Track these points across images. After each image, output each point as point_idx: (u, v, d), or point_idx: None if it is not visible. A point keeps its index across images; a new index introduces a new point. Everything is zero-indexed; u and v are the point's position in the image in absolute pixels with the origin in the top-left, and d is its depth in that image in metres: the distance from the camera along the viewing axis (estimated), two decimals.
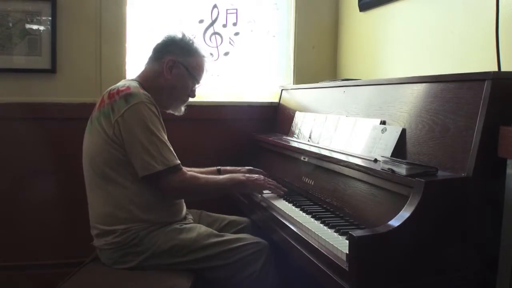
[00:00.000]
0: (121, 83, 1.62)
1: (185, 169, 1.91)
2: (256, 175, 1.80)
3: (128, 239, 1.50)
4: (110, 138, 1.50)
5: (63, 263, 2.17)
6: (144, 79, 1.66)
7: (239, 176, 1.74)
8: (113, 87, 1.59)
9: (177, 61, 1.66)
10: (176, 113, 1.78)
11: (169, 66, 1.65)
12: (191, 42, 1.72)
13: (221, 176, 1.72)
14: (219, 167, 1.98)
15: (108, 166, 1.52)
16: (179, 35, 1.72)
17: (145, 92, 1.55)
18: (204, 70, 1.75)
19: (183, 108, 1.78)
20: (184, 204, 1.71)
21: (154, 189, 1.54)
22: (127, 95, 1.51)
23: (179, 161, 1.55)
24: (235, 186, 1.72)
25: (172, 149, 1.55)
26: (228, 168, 1.98)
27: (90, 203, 1.60)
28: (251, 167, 1.97)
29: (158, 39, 1.74)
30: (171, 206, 1.62)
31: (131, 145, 1.48)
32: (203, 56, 1.74)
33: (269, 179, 1.78)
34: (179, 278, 1.47)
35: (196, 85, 1.75)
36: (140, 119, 1.49)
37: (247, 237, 1.61)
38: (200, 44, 1.77)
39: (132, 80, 1.66)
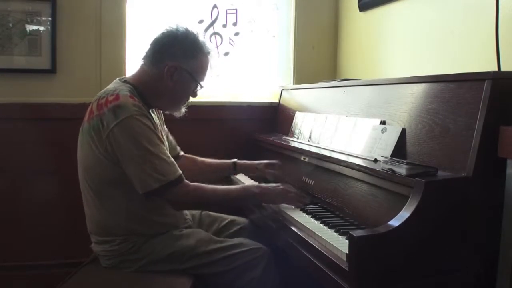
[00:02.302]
0: (111, 87, 1.51)
1: (196, 157, 1.90)
2: (272, 185, 1.62)
3: (126, 247, 1.49)
4: (103, 155, 1.43)
5: (63, 263, 2.17)
6: (141, 82, 1.55)
7: (253, 188, 1.59)
8: (102, 93, 1.49)
9: (178, 67, 1.53)
10: (176, 114, 1.68)
11: (170, 72, 1.53)
12: (194, 40, 1.55)
13: (233, 187, 1.58)
14: (235, 160, 1.93)
15: (103, 184, 1.48)
16: (183, 34, 1.55)
17: (135, 102, 1.44)
18: (209, 69, 1.62)
19: (183, 110, 1.68)
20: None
21: (152, 203, 1.49)
22: (115, 108, 1.40)
23: (179, 172, 1.46)
24: (248, 199, 1.60)
25: (170, 159, 1.46)
26: (243, 162, 1.93)
27: (85, 212, 1.56)
28: (268, 161, 1.90)
29: (158, 32, 1.57)
30: (170, 213, 1.58)
31: (125, 164, 1.41)
32: (208, 53, 1.59)
33: (288, 188, 1.60)
34: (179, 280, 1.47)
35: (199, 88, 1.63)
36: (130, 136, 1.40)
37: (247, 243, 1.59)
38: (203, 39, 1.59)
39: (125, 82, 1.54)
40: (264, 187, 1.59)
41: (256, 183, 1.75)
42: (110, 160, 1.44)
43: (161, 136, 1.55)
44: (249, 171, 2.01)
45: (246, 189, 1.61)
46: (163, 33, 1.57)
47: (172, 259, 1.51)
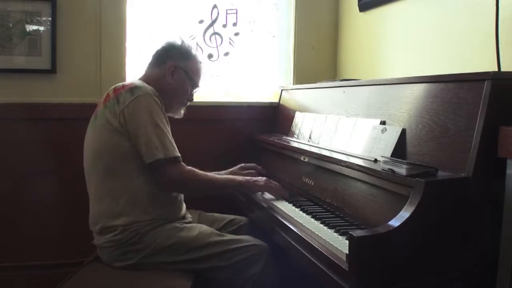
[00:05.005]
0: (125, 82, 1.67)
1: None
2: (258, 177, 1.79)
3: (128, 236, 1.51)
4: (115, 129, 1.53)
5: (63, 263, 2.17)
6: (146, 82, 1.66)
7: (239, 177, 1.75)
8: (118, 84, 1.63)
9: (178, 66, 1.72)
10: (176, 116, 1.81)
11: (171, 71, 1.71)
12: (190, 48, 1.79)
13: (221, 176, 1.74)
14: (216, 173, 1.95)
15: (113, 159, 1.54)
16: (179, 41, 1.79)
17: (150, 87, 1.60)
18: (202, 75, 1.82)
19: (182, 111, 1.82)
20: (183, 203, 1.71)
21: (154, 187, 1.55)
22: (132, 88, 1.56)
23: (179, 154, 1.57)
24: (234, 187, 1.74)
25: (173, 142, 1.58)
26: (221, 172, 1.95)
27: (92, 198, 1.60)
28: (242, 164, 1.99)
29: (158, 45, 1.80)
30: (173, 201, 1.63)
31: (136, 133, 1.52)
32: (200, 62, 1.82)
33: (271, 181, 1.75)
34: (180, 279, 1.47)
35: (195, 89, 1.80)
36: (145, 108, 1.53)
37: (248, 239, 1.61)
38: (197, 51, 1.88)
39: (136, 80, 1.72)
40: (249, 178, 1.77)
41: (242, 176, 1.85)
42: (121, 133, 1.53)
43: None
44: None
45: (233, 178, 1.75)
46: (163, 44, 1.80)
47: (173, 250, 1.52)
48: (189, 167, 1.61)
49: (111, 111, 1.55)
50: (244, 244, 1.57)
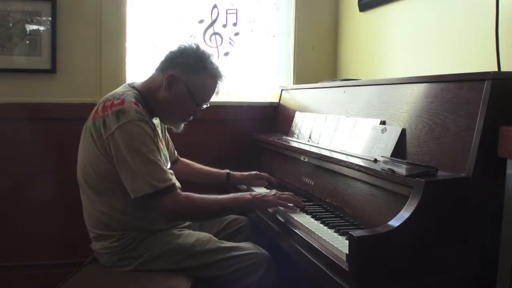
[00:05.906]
0: (119, 91, 1.53)
1: (189, 160, 1.89)
2: (265, 191, 1.64)
3: (125, 243, 1.49)
4: (102, 155, 1.45)
5: (63, 263, 2.17)
6: (146, 88, 1.58)
7: (245, 195, 1.56)
8: (109, 96, 1.51)
9: (178, 78, 1.53)
10: (174, 130, 1.69)
11: (168, 81, 1.53)
12: (203, 59, 1.56)
13: (223, 196, 1.55)
14: (228, 171, 1.97)
15: (100, 180, 1.48)
16: (192, 49, 1.57)
17: (138, 108, 1.45)
18: (213, 92, 1.61)
19: (182, 126, 1.67)
20: None
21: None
22: (118, 112, 1.42)
23: (172, 182, 1.45)
24: (240, 207, 1.60)
25: (164, 168, 1.46)
26: (236, 174, 1.97)
27: (84, 208, 1.57)
28: (257, 172, 1.95)
29: (174, 47, 1.60)
30: None
31: (120, 167, 1.42)
32: (215, 77, 1.59)
33: (280, 193, 1.58)
34: (179, 280, 1.47)
35: (201, 107, 1.61)
36: (128, 140, 1.41)
37: (248, 247, 1.57)
38: (215, 62, 1.59)
39: (132, 88, 1.57)
40: (255, 194, 1.59)
41: (249, 192, 1.71)
42: (107, 159, 1.45)
43: (159, 144, 1.55)
44: (241, 182, 1.99)
45: (238, 197, 1.56)
46: (178, 46, 1.59)
47: (170, 257, 1.51)
48: (185, 194, 1.48)
49: (98, 133, 1.45)
50: (243, 252, 1.53)
